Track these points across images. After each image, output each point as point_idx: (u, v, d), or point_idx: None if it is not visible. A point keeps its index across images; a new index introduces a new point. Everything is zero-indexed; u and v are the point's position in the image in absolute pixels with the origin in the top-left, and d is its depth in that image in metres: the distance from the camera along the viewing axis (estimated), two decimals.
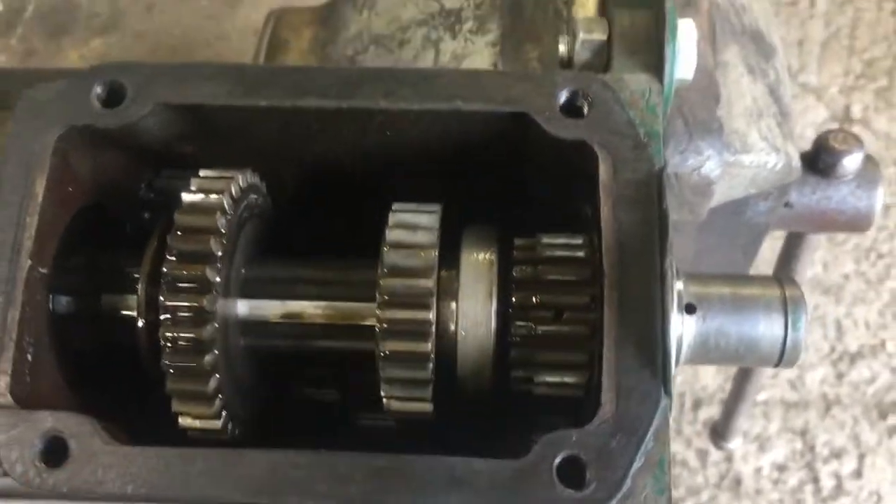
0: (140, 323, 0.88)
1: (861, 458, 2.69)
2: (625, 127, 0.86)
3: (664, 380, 0.78)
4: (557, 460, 0.77)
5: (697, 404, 2.76)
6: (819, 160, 1.39)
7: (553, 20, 1.18)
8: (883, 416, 2.71)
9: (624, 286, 0.81)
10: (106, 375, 0.92)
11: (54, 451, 0.79)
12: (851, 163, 1.38)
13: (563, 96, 0.87)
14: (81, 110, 0.88)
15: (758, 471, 2.92)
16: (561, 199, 0.97)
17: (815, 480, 2.89)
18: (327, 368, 0.97)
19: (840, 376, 2.75)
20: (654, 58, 0.90)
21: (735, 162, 1.18)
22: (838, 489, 2.70)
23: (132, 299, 0.89)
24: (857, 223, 1.43)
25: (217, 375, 0.84)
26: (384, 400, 0.87)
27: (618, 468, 0.77)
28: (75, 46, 2.01)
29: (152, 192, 1.01)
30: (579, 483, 0.77)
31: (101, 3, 2.07)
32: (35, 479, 0.78)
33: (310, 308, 0.90)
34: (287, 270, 0.93)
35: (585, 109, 0.86)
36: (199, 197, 0.87)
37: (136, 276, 0.89)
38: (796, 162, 1.28)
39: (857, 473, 2.68)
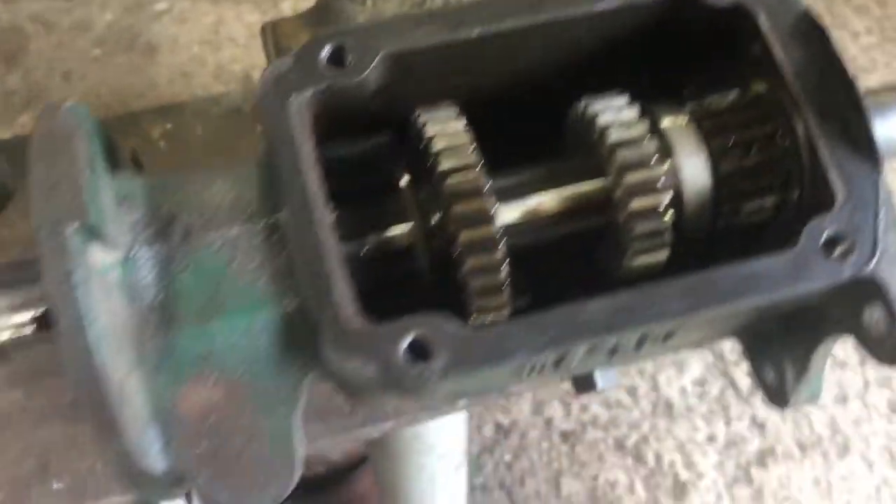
0: (421, 240, 1.00)
1: None
2: None
3: (875, 159, 0.97)
4: (822, 241, 0.95)
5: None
6: None
7: None
8: None
9: (817, 102, 0.99)
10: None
11: (423, 347, 0.88)
12: None
13: None
14: (317, 74, 0.97)
15: (682, 390, 3.16)
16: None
17: (733, 384, 3.17)
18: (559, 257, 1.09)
19: None
20: None
21: None
22: (754, 385, 2.97)
23: (402, 228, 1.00)
24: None
25: (506, 265, 0.96)
26: (628, 258, 1.02)
27: (867, 233, 0.95)
28: (2, 127, 1.99)
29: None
30: (846, 252, 0.94)
31: (12, 81, 2.03)
32: (419, 375, 0.87)
33: (547, 199, 1.03)
34: (512, 175, 1.05)
35: None
36: (441, 125, 0.99)
37: (400, 206, 1.00)
38: None
39: None
